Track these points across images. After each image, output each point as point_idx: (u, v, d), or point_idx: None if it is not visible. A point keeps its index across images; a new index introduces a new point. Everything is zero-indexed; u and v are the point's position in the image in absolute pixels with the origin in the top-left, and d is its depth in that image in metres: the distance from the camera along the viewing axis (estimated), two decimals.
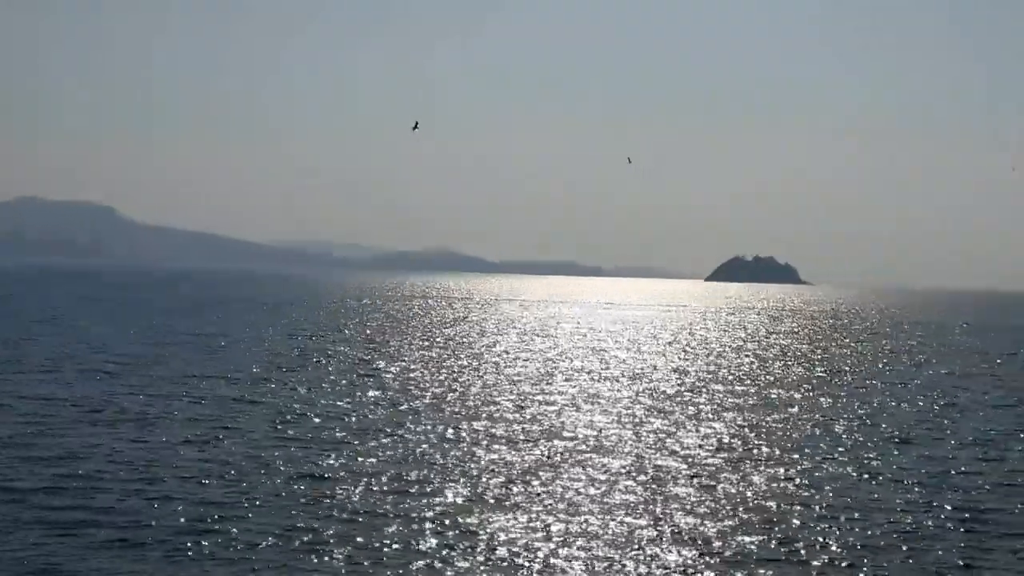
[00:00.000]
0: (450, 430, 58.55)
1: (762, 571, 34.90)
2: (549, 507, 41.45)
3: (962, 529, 40.55)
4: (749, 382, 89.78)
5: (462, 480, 45.76)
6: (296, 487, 43.75)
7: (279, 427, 58.22)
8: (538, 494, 43.46)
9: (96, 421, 58.37)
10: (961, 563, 36.45)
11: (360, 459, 49.78)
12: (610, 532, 38.32)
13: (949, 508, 43.57)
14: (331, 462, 48.89)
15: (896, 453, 56.00)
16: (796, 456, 54.09)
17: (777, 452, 54.99)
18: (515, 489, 44.28)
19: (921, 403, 78.00)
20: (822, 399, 78.84)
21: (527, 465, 49.29)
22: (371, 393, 73.81)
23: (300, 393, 72.63)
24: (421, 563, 34.53)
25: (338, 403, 68.27)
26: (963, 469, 51.96)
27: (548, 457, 51.39)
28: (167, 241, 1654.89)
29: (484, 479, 46.04)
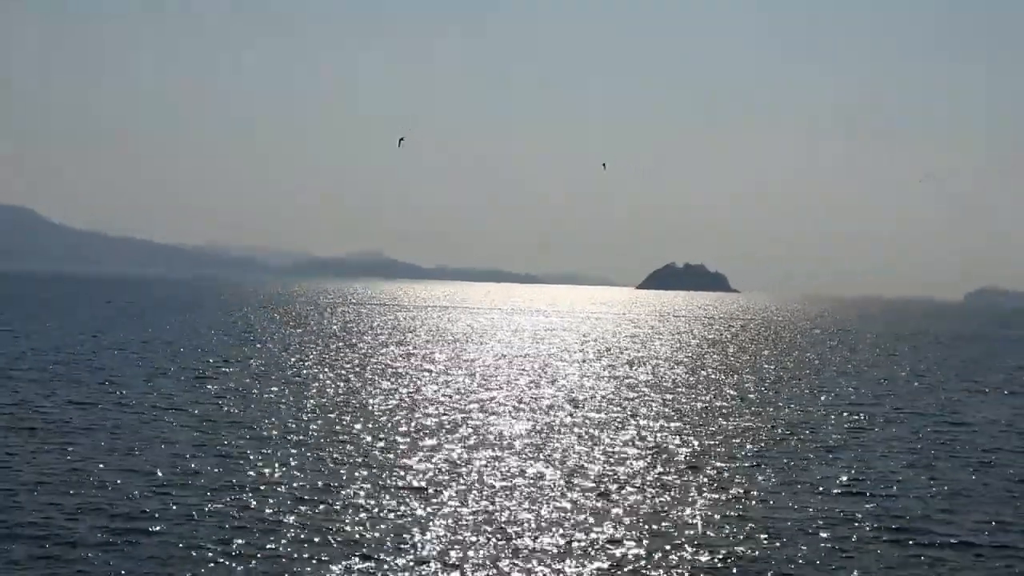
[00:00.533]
0: (372, 439, 58.01)
1: None
2: (461, 516, 41.15)
3: (884, 539, 40.70)
4: (665, 391, 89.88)
5: (384, 489, 45.30)
6: (218, 497, 43.08)
7: (199, 436, 57.38)
8: (453, 503, 43.14)
9: (17, 429, 57.31)
10: (885, 573, 36.60)
11: (279, 469, 49.18)
12: (522, 541, 38.08)
13: (872, 518, 43.71)
14: (253, 472, 48.25)
15: (815, 463, 56.13)
16: (718, 465, 54.02)
17: (696, 461, 54.93)
18: (434, 499, 43.91)
19: (841, 412, 78.42)
20: (738, 408, 79.03)
21: (444, 473, 48.91)
22: (291, 402, 73.04)
23: (222, 402, 71.71)
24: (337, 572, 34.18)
25: (258, 412, 67.46)
26: (883, 479, 52.23)
27: (465, 464, 51.01)
28: (90, 245, 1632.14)
29: (405, 488, 45.63)
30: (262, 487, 45.24)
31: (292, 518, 40.37)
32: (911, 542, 40.28)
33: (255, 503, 42.49)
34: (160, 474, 47.15)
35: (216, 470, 48.38)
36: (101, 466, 48.39)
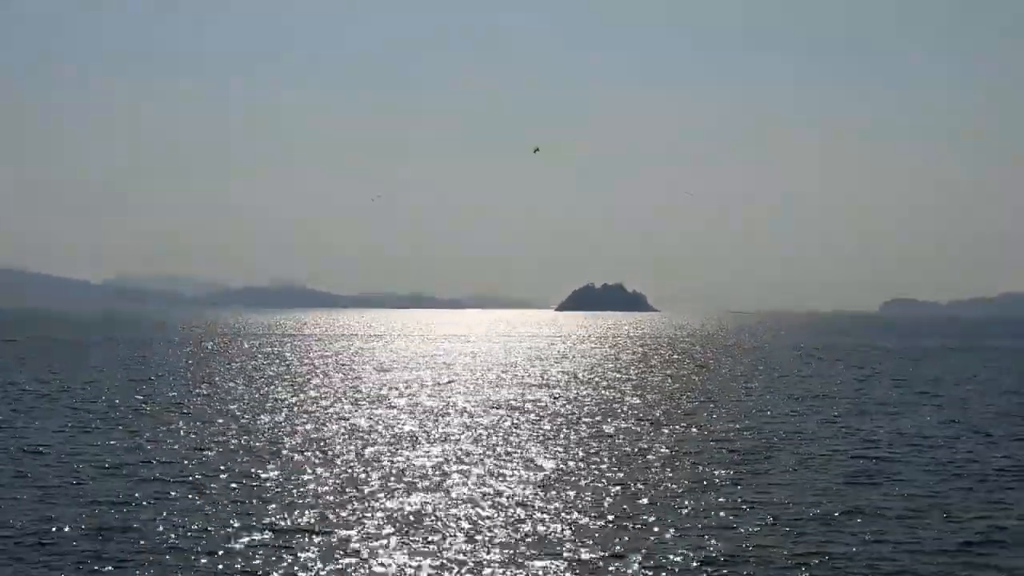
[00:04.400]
0: (263, 473, 54.75)
1: None
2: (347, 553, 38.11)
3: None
4: (569, 412, 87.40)
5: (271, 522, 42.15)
6: (99, 546, 39.64)
7: (74, 482, 53.66)
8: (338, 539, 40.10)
9: None
10: None
11: (151, 515, 45.81)
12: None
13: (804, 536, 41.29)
14: (132, 517, 44.84)
15: (735, 484, 53.74)
16: (635, 489, 51.46)
17: (607, 487, 52.34)
18: (326, 534, 40.83)
19: (754, 428, 76.34)
20: (653, 426, 76.68)
21: (340, 505, 45.87)
22: (176, 439, 69.50)
23: (111, 442, 67.99)
24: None
25: (149, 451, 63.87)
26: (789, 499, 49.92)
27: (353, 494, 48.01)
28: None
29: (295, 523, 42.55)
30: (136, 537, 41.84)
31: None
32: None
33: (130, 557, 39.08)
34: (21, 523, 43.52)
35: (91, 517, 44.86)
36: None
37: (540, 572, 37.10)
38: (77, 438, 68.52)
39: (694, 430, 75.17)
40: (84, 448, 64.05)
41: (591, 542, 41.01)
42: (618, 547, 40.34)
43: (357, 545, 40.14)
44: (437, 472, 55.96)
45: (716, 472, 56.87)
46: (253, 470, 56.26)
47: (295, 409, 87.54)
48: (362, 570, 37.17)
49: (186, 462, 58.83)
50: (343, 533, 41.94)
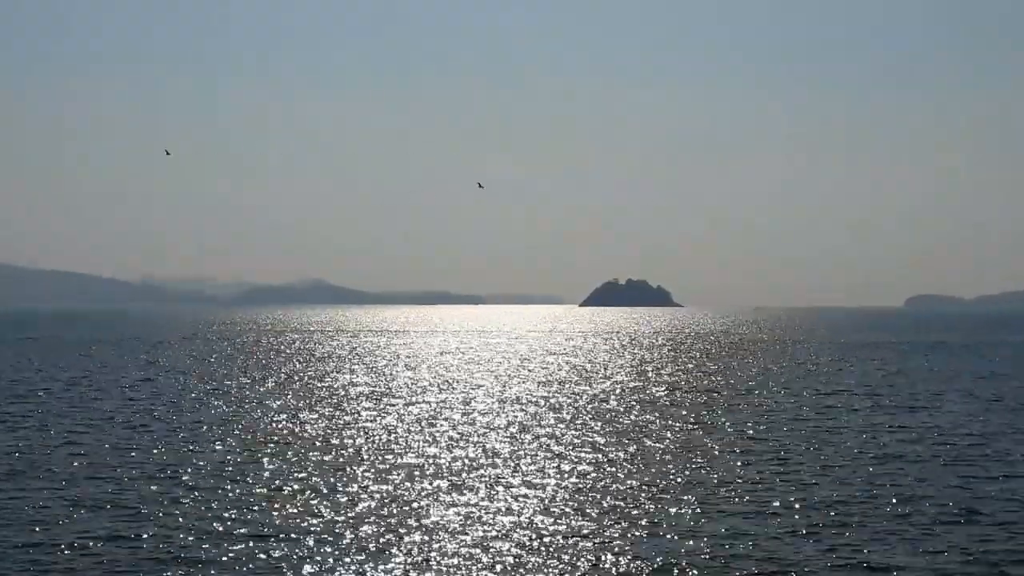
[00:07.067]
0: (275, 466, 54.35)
1: None
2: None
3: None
4: (575, 409, 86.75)
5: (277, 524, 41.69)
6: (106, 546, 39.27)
7: (95, 482, 53.42)
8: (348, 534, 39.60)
9: None
10: None
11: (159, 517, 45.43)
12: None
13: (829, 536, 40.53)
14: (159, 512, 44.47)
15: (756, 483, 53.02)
16: (644, 489, 50.80)
17: (625, 482, 51.70)
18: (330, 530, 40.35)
19: (775, 423, 75.56)
20: (675, 421, 75.95)
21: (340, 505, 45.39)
22: (187, 435, 69.21)
23: (116, 437, 67.73)
24: None
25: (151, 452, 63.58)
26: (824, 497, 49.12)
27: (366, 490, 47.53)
28: (23, 280, 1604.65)
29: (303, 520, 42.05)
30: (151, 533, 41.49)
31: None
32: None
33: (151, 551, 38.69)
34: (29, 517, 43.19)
35: (98, 516, 44.52)
36: None
37: (549, 571, 36.55)
38: (103, 438, 68.33)
39: (718, 425, 74.44)
40: (119, 450, 63.87)
41: (604, 539, 40.43)
42: (632, 545, 39.76)
43: (354, 543, 39.69)
44: (443, 469, 55.47)
45: (739, 469, 56.18)
46: (270, 468, 55.93)
47: (312, 406, 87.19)
48: (364, 568, 36.73)
49: (205, 461, 58.53)
50: (344, 532, 41.50)
